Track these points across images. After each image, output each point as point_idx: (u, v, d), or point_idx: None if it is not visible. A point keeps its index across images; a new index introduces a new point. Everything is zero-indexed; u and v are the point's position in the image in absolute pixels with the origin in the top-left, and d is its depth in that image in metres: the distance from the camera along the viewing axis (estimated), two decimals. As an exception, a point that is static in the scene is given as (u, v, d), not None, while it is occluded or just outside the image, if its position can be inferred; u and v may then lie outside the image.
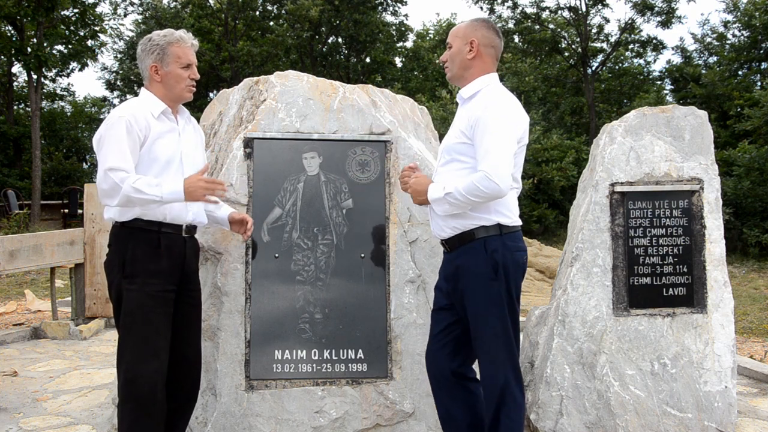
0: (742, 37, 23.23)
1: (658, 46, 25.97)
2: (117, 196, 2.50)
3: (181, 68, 2.72)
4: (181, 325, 2.76)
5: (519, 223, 2.74)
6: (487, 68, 2.77)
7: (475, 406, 2.80)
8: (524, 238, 2.82)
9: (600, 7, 24.58)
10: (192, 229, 2.81)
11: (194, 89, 2.81)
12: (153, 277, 2.61)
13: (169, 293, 2.65)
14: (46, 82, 25.02)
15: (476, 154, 2.62)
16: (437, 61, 3.55)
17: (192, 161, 2.79)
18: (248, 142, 3.35)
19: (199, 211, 2.82)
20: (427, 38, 31.25)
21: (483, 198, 2.54)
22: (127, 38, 27.43)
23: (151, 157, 2.63)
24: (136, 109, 2.63)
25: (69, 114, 26.71)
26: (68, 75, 26.64)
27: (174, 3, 26.08)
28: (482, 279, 2.63)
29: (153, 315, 2.60)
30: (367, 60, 28.58)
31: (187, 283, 2.78)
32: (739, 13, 23.00)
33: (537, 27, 25.48)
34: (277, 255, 3.30)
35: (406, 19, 29.05)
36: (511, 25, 25.99)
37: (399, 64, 30.63)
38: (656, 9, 23.97)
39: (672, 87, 26.73)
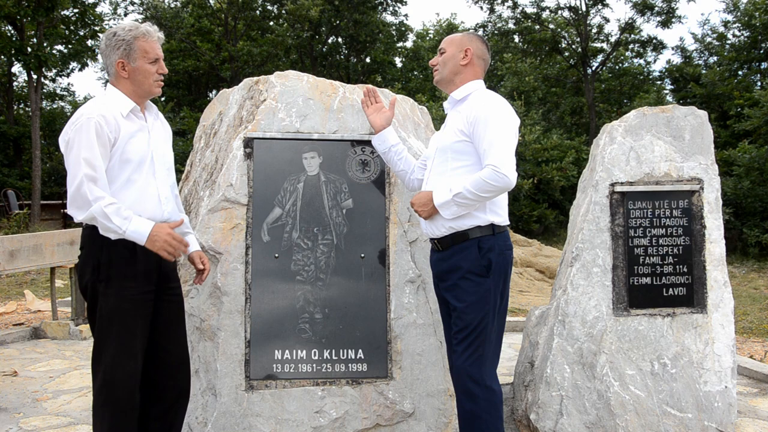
0: (742, 37, 23.24)
1: (658, 46, 25.97)
2: (85, 210, 2.45)
3: (148, 63, 2.62)
4: (165, 324, 2.71)
5: (508, 222, 2.84)
6: (477, 76, 2.89)
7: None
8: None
9: (600, 7, 24.60)
10: None
11: (162, 83, 2.72)
12: (130, 281, 2.54)
13: (147, 295, 2.59)
14: (46, 82, 25.04)
15: (478, 149, 2.67)
16: (430, 63, 3.59)
17: (163, 159, 2.72)
18: (248, 142, 3.35)
19: (173, 210, 2.75)
20: (427, 38, 31.26)
21: (493, 192, 2.60)
22: (127, 38, 27.37)
23: (123, 158, 2.54)
24: (104, 108, 2.53)
25: (69, 114, 26.71)
26: (68, 75, 26.78)
27: (174, 3, 26.10)
28: (474, 276, 2.70)
29: (130, 318, 2.54)
30: (367, 60, 28.57)
31: (166, 282, 2.71)
32: (739, 13, 23.01)
33: (537, 27, 25.48)
34: (277, 255, 3.30)
35: (406, 19, 29.08)
36: (511, 25, 26.00)
37: (399, 64, 30.64)
38: (656, 9, 23.99)
39: (672, 87, 26.74)
